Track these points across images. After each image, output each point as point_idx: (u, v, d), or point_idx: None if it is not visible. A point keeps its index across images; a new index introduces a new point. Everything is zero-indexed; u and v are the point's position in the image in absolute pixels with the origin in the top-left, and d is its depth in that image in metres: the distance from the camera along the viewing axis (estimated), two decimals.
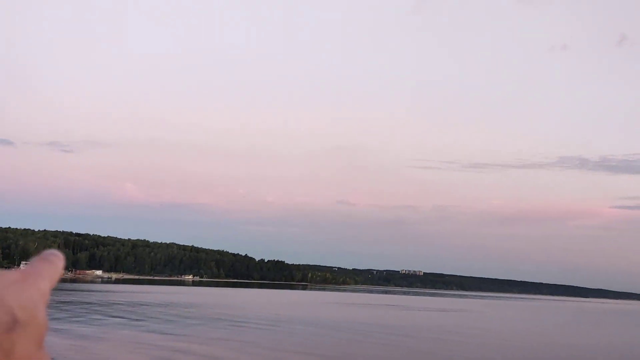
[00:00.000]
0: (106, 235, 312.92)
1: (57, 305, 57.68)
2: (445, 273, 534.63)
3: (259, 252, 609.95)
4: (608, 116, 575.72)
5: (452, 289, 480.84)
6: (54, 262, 0.98)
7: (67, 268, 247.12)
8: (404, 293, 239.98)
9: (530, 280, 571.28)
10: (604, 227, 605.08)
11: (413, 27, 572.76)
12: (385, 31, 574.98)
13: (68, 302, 64.04)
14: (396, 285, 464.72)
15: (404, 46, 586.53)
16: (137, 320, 44.26)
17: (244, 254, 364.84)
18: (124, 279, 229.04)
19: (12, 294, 0.74)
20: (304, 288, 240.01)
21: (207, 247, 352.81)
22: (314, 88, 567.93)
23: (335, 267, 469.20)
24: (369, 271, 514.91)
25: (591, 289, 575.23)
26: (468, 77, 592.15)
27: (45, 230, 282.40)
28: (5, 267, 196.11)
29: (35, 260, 0.93)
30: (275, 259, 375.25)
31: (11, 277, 0.76)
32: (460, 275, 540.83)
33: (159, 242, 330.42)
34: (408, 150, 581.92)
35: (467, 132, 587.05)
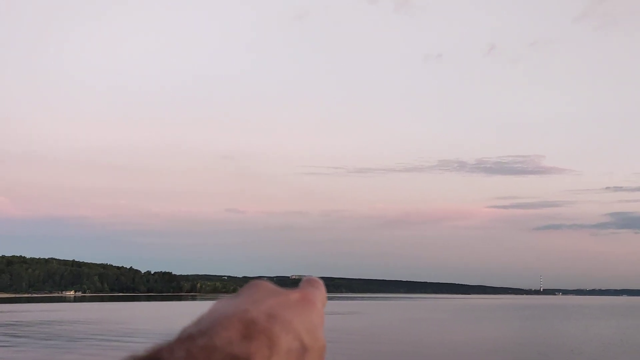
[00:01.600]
0: None
1: None
2: (334, 276, 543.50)
3: (145, 264, 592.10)
4: (482, 121, 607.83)
5: (341, 291, 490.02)
6: (321, 286, 0.98)
7: None
8: None
9: (415, 280, 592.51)
10: (481, 226, 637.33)
11: (294, 34, 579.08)
12: (265, 37, 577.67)
13: None
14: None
15: (283, 53, 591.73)
16: (15, 340, 42.14)
17: (128, 267, 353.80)
18: None
19: (298, 317, 0.73)
20: (194, 299, 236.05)
21: (89, 261, 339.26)
22: (197, 98, 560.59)
23: (225, 276, 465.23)
24: (259, 278, 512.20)
25: (472, 285, 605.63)
26: (349, 84, 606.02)
27: None
28: None
29: (305, 283, 0.90)
30: (162, 270, 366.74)
31: (293, 298, 0.75)
32: (348, 278, 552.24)
33: (37, 257, 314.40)
34: (296, 156, 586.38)
35: (352, 138, 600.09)
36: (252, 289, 0.91)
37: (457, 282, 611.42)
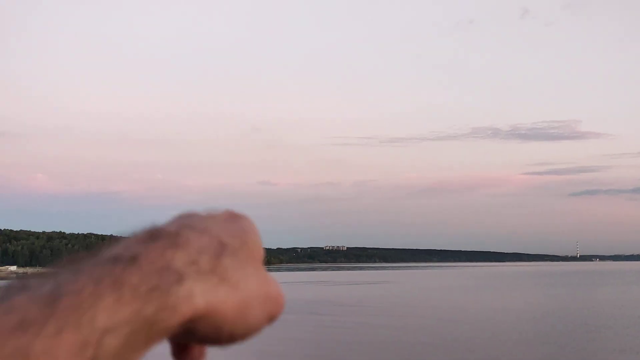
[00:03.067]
0: (19, 229, 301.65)
1: None
2: (367, 247, 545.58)
3: None
4: (516, 87, 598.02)
5: (374, 261, 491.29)
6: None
7: None
8: (329, 269, 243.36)
9: (449, 249, 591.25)
10: (515, 193, 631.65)
11: (323, 4, 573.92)
12: (293, 8, 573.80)
13: None
14: (321, 262, 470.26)
15: (312, 23, 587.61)
16: None
17: None
18: None
19: (218, 225, 0.80)
20: None
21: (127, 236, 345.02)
22: (228, 70, 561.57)
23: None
24: (294, 249, 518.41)
25: (507, 253, 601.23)
26: (381, 54, 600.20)
27: None
28: None
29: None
30: None
31: (217, 214, 0.82)
32: (382, 248, 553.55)
33: (76, 233, 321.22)
34: (327, 127, 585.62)
35: (383, 107, 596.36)
36: (183, 216, 0.83)
37: (491, 250, 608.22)
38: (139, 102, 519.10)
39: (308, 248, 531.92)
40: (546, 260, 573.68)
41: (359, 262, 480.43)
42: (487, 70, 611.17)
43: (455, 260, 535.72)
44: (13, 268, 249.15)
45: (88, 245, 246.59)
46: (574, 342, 25.33)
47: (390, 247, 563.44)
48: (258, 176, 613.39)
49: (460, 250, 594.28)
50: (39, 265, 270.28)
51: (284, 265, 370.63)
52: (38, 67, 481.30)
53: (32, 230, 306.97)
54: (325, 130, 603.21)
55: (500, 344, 24.95)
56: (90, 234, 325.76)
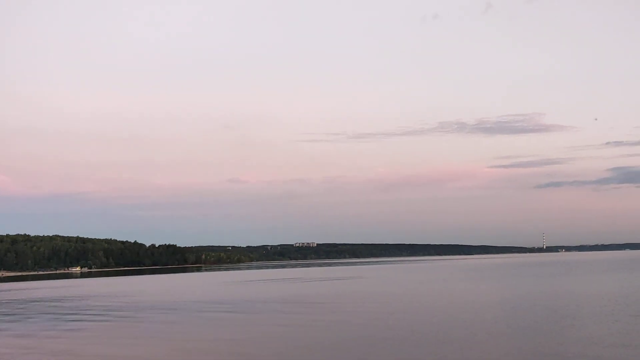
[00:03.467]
0: None
1: None
2: (337, 242, 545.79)
3: (150, 238, 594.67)
4: (481, 81, 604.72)
5: (345, 257, 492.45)
6: None
7: None
8: (300, 265, 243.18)
9: (418, 243, 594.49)
10: (482, 186, 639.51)
11: (284, 6, 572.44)
12: (260, 8, 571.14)
13: None
14: (291, 259, 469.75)
15: (278, 21, 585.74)
16: (25, 317, 42.53)
17: (133, 241, 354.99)
18: (5, 277, 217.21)
19: None
20: (199, 270, 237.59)
21: (94, 237, 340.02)
22: (199, 68, 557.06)
23: (229, 247, 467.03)
24: (264, 247, 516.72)
25: (475, 246, 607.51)
26: (348, 50, 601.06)
27: None
28: None
29: None
30: (167, 243, 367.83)
31: None
32: (352, 244, 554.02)
33: (42, 235, 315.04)
34: (296, 125, 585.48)
35: (351, 103, 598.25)
36: None
37: (459, 243, 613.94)
38: (107, 101, 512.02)
39: (278, 245, 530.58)
40: (513, 252, 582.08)
41: (330, 258, 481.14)
42: (452, 65, 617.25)
43: (424, 254, 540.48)
44: None
45: (54, 247, 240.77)
46: (543, 331, 25.68)
47: (361, 243, 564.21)
48: (228, 174, 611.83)
49: (429, 244, 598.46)
50: (4, 269, 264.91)
51: (254, 263, 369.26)
52: (1, 67, 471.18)
53: None
54: (295, 127, 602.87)
55: (473, 335, 25.18)
56: (57, 235, 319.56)
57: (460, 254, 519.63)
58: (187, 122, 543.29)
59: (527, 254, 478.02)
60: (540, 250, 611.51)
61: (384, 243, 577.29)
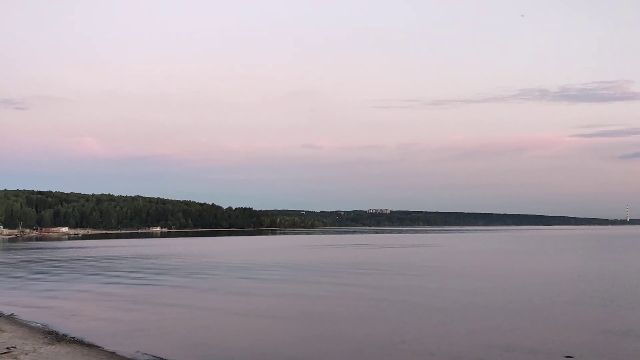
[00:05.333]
0: (69, 192, 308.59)
1: (24, 263, 57.09)
2: (411, 210, 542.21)
3: (226, 200, 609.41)
4: (566, 47, 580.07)
5: (419, 225, 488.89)
6: None
7: (32, 226, 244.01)
8: (373, 232, 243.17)
9: (495, 212, 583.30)
10: (564, 155, 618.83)
11: None
12: None
13: (36, 260, 63.45)
14: (364, 225, 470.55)
15: None
16: (111, 274, 44.09)
17: (211, 203, 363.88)
18: (91, 235, 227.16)
19: None
20: (273, 233, 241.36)
21: (173, 198, 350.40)
22: (273, 34, 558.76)
23: (303, 211, 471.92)
24: (337, 213, 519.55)
25: (554, 216, 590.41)
26: (426, 13, 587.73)
27: (5, 190, 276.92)
28: None
29: None
30: (243, 206, 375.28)
31: None
32: (426, 211, 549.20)
33: (124, 195, 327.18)
34: (370, 90, 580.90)
35: (428, 69, 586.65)
36: None
37: (537, 214, 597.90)
38: (187, 66, 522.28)
39: (351, 211, 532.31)
40: (594, 223, 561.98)
41: (403, 225, 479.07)
42: (534, 30, 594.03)
43: (501, 224, 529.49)
44: (65, 229, 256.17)
45: (136, 207, 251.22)
46: (621, 305, 24.42)
47: (435, 211, 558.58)
48: (302, 139, 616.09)
49: (506, 214, 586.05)
50: (89, 227, 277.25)
51: (328, 229, 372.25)
52: (83, 32, 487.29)
53: (82, 192, 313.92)
54: (369, 93, 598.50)
55: (549, 306, 24.21)
56: (138, 196, 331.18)
57: (538, 225, 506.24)
58: (262, 88, 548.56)
59: (610, 226, 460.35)
60: (623, 222, 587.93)
61: (459, 212, 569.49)
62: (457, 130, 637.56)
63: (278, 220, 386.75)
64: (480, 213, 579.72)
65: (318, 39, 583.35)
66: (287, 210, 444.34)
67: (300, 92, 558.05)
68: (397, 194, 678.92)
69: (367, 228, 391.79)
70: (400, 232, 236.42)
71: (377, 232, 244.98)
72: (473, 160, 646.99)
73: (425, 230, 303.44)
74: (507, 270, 45.24)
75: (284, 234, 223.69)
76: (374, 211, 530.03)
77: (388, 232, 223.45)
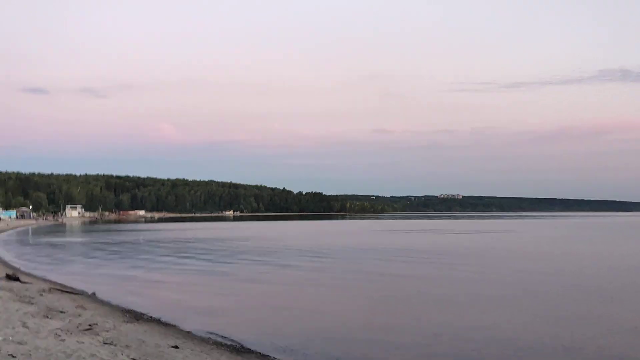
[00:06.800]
0: (146, 176, 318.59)
1: (103, 244, 59.08)
2: (484, 195, 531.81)
3: (297, 185, 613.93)
4: None
5: (492, 210, 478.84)
6: None
7: (110, 209, 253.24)
8: (445, 217, 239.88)
9: (572, 198, 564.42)
10: None
11: None
12: None
13: (114, 242, 65.49)
14: (435, 210, 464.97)
15: None
16: (187, 255, 44.91)
17: (282, 188, 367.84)
18: (166, 218, 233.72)
19: None
20: (343, 218, 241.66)
21: (245, 183, 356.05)
22: (342, 17, 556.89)
23: (373, 196, 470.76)
24: (407, 198, 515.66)
25: (636, 202, 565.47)
26: None
27: (86, 174, 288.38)
28: (52, 212, 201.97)
29: None
30: (313, 191, 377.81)
31: None
32: (499, 197, 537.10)
33: (198, 180, 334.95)
34: (443, 74, 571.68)
35: (502, 51, 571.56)
36: None
37: (617, 200, 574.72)
38: (257, 53, 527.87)
39: (422, 196, 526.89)
40: None
41: (475, 210, 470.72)
42: (615, 6, 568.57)
43: (578, 210, 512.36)
44: (142, 212, 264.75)
45: (209, 191, 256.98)
46: None
47: (509, 196, 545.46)
48: (373, 124, 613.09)
49: (584, 200, 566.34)
50: (165, 210, 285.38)
51: (398, 214, 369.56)
52: (161, 24, 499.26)
53: (158, 177, 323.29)
54: (442, 76, 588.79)
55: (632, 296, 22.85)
56: (212, 181, 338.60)
57: (618, 211, 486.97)
58: (332, 73, 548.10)
59: None
60: None
61: (534, 197, 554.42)
62: (533, 113, 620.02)
63: (348, 204, 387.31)
64: (556, 199, 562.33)
65: (393, 23, 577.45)
66: (357, 195, 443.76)
67: (373, 76, 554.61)
68: (469, 179, 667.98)
69: (438, 213, 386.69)
70: (472, 217, 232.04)
71: (448, 217, 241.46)
72: (550, 144, 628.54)
73: (499, 215, 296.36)
74: (602, 259, 43.39)
75: (354, 218, 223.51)
76: (445, 196, 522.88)
77: (460, 218, 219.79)
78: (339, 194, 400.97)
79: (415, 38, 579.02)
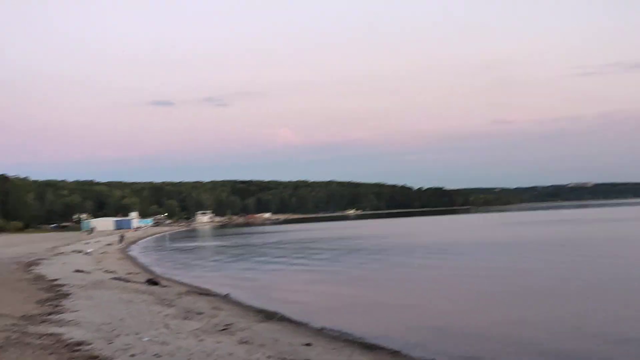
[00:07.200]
0: (269, 180, 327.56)
1: (235, 247, 61.35)
2: (617, 182, 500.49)
3: (417, 181, 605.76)
4: None
5: (627, 197, 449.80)
6: None
7: (238, 213, 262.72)
8: (575, 207, 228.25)
9: None
10: None
11: None
12: None
13: (245, 244, 67.77)
14: (564, 200, 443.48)
15: None
16: (314, 255, 45.68)
17: (401, 185, 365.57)
18: (290, 219, 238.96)
19: None
20: (467, 212, 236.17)
21: (365, 182, 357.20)
22: (454, 14, 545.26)
23: (497, 188, 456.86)
24: (533, 188, 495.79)
25: None
26: None
27: (213, 181, 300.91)
28: (184, 218, 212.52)
29: None
30: (434, 186, 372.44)
31: None
32: (636, 182, 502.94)
33: (319, 181, 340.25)
34: (562, 58, 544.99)
35: (626, 28, 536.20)
36: None
37: None
38: (367, 54, 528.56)
39: (549, 186, 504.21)
40: None
41: (608, 198, 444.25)
42: None
43: None
44: (267, 215, 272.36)
45: (330, 192, 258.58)
46: None
47: None
48: (492, 115, 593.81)
49: None
50: (288, 212, 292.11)
51: (524, 205, 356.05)
52: (276, 31, 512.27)
53: (280, 180, 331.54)
54: (561, 61, 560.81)
55: None
56: (332, 181, 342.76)
57: None
58: (444, 67, 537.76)
59: None
60: None
61: None
62: None
63: (471, 198, 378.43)
64: None
65: (503, 4, 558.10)
66: (480, 188, 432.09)
67: (487, 67, 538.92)
68: (599, 165, 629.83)
69: (567, 203, 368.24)
70: (607, 205, 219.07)
71: (580, 207, 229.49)
72: None
73: (637, 202, 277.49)
74: None
75: (478, 212, 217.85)
76: (574, 185, 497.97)
77: (593, 207, 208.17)
78: (460, 188, 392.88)
79: (527, 23, 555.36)
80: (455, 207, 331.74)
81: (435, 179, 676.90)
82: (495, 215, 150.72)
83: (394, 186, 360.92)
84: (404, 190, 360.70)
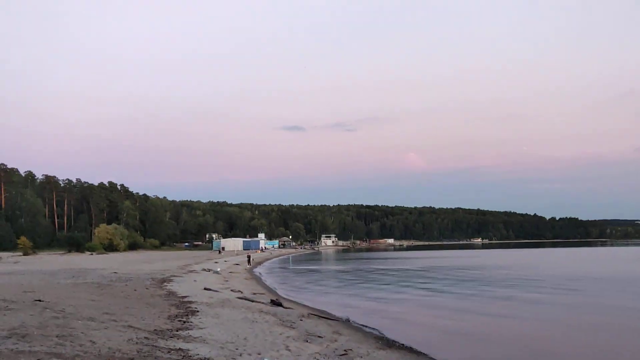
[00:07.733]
0: (394, 205, 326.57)
1: (359, 272, 61.51)
2: None
3: (549, 211, 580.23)
4: None
5: None
6: None
7: (361, 238, 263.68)
8: None
9: None
10: None
11: None
12: None
13: (367, 269, 67.75)
14: None
15: None
16: (437, 283, 44.92)
17: (532, 214, 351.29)
18: (414, 246, 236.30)
19: None
20: (603, 244, 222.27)
21: (493, 210, 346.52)
22: (582, 31, 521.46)
23: (637, 220, 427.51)
24: None
25: None
26: None
27: (339, 205, 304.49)
28: (309, 241, 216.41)
29: None
30: (568, 216, 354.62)
31: None
32: None
33: (445, 207, 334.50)
34: None
35: None
36: None
37: None
38: (499, 80, 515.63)
39: None
40: None
41: None
42: None
43: None
44: (391, 240, 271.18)
45: (456, 219, 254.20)
46: None
47: None
48: (634, 142, 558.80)
49: None
50: (413, 238, 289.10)
51: None
52: (401, 61, 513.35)
53: (405, 206, 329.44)
54: None
55: None
56: (458, 208, 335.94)
57: None
58: (576, 95, 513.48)
59: None
60: None
61: None
62: None
63: (608, 230, 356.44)
64: None
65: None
66: (618, 220, 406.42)
67: (626, 94, 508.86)
68: None
69: None
70: None
71: None
72: None
73: None
74: None
75: (616, 245, 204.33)
76: None
77: None
78: (596, 219, 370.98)
79: None
80: (590, 239, 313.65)
81: (569, 209, 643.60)
82: (636, 250, 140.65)
83: (524, 215, 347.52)
84: (535, 219, 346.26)
